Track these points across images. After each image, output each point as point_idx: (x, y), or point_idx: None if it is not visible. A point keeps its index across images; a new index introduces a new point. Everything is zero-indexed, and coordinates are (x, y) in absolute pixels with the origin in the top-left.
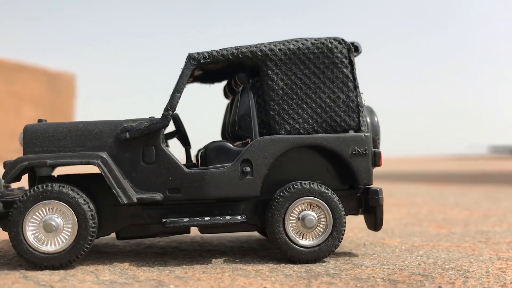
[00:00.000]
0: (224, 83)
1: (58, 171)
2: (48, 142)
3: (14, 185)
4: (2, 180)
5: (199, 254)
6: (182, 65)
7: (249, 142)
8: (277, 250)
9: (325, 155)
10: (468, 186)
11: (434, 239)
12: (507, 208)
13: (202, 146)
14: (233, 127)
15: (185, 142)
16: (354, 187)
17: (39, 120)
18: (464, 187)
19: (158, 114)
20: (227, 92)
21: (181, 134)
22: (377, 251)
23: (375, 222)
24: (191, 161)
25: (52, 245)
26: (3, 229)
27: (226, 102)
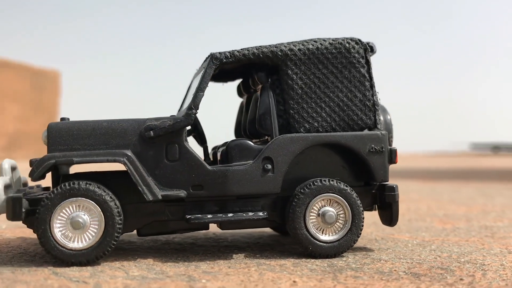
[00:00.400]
0: (237, 82)
1: (75, 168)
2: (72, 140)
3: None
4: (23, 178)
5: (217, 249)
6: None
7: (269, 140)
8: (295, 245)
9: (342, 153)
10: (458, 183)
11: (442, 234)
12: (503, 204)
13: (217, 144)
14: (251, 125)
15: (202, 141)
16: (369, 183)
17: (62, 119)
18: (454, 183)
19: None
20: (242, 90)
21: (198, 132)
22: (391, 245)
23: (391, 217)
24: (209, 158)
25: (79, 242)
26: (28, 227)
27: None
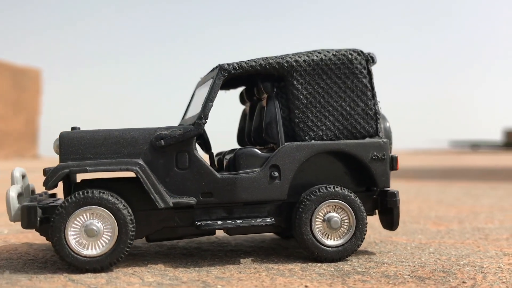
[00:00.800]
0: (239, 89)
1: (83, 176)
2: (84, 149)
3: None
4: (31, 185)
5: (224, 254)
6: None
7: (275, 148)
8: (298, 249)
9: (345, 160)
10: (443, 182)
11: (437, 237)
12: (490, 205)
13: (219, 151)
14: (256, 132)
15: (207, 148)
16: (370, 189)
17: (73, 128)
18: (439, 183)
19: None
20: (245, 98)
21: (203, 140)
22: (391, 249)
23: (392, 222)
24: (215, 166)
25: (93, 249)
26: (41, 234)
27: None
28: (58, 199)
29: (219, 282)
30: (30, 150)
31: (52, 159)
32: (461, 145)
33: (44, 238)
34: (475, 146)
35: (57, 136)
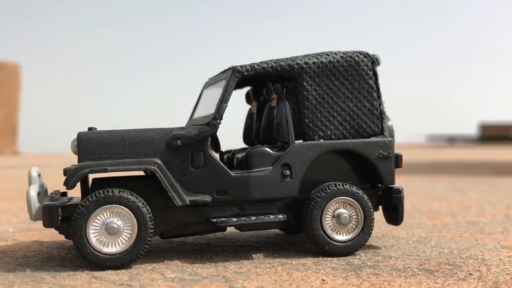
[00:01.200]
0: (245, 89)
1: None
2: (102, 149)
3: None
4: (45, 184)
5: (234, 249)
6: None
7: (285, 147)
8: (305, 244)
9: (351, 158)
10: (429, 177)
11: (435, 230)
12: (479, 199)
13: (227, 149)
14: (265, 132)
15: (216, 147)
16: (374, 186)
17: (90, 128)
18: (426, 177)
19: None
20: (252, 98)
21: (213, 139)
22: (394, 243)
23: (397, 217)
24: (225, 163)
25: (113, 247)
26: (60, 232)
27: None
28: (71, 198)
29: (239, 277)
30: (9, 146)
31: (33, 156)
32: (438, 139)
33: (54, 235)
34: (451, 140)
35: (75, 136)
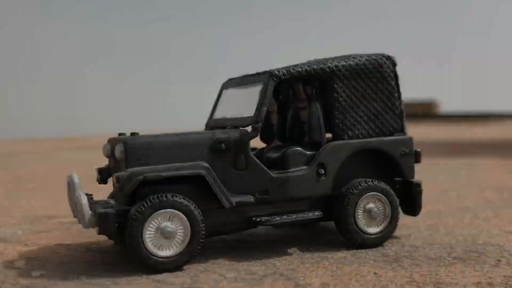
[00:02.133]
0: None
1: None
2: (148, 155)
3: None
4: (79, 191)
5: (265, 246)
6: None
7: (319, 147)
8: (329, 237)
9: (376, 155)
10: None
11: (434, 217)
12: (451, 182)
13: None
14: (290, 131)
15: None
16: (394, 180)
17: (132, 133)
18: None
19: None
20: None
21: None
22: (408, 232)
23: (415, 208)
24: None
25: (168, 250)
26: (109, 238)
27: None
28: (98, 201)
29: (295, 274)
30: None
31: None
32: None
33: (67, 237)
34: None
35: (119, 142)
